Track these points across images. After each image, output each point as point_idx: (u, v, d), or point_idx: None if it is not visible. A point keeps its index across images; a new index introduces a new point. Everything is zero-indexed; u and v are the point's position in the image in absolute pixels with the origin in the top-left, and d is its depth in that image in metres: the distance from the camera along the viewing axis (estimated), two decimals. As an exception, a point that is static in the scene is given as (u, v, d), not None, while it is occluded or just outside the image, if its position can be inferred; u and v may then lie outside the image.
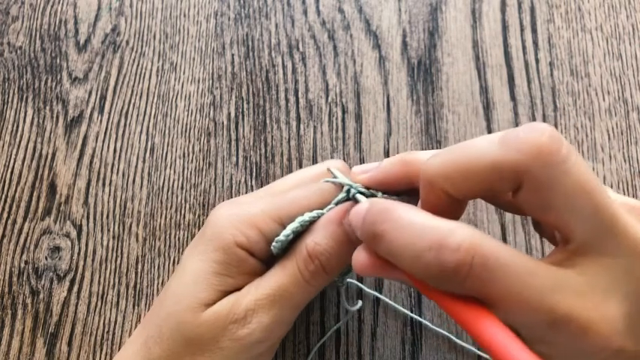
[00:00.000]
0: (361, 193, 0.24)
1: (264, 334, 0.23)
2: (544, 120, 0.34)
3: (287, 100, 0.35)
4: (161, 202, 0.33)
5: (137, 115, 0.35)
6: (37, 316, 0.32)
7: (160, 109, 0.35)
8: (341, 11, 0.37)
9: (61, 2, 0.38)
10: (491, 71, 0.35)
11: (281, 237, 0.24)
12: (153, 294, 0.32)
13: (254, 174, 0.34)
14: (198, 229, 0.33)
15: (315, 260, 0.23)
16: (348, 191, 0.24)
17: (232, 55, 0.36)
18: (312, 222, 0.24)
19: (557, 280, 0.17)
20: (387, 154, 0.34)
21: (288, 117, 0.35)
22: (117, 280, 0.32)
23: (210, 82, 0.36)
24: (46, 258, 0.33)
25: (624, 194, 0.33)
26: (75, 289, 0.32)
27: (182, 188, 0.34)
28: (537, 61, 0.35)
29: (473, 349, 0.30)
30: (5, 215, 0.34)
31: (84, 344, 0.31)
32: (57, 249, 0.33)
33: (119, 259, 0.33)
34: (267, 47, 0.36)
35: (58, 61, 0.37)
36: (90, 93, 0.36)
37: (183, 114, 0.35)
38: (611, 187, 0.33)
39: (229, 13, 0.37)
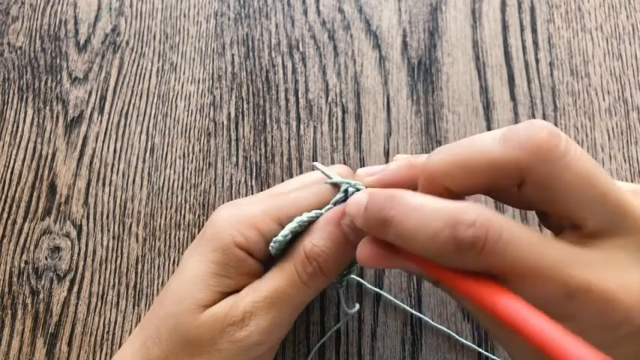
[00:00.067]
0: (359, 191, 0.24)
1: (262, 336, 0.23)
2: (544, 120, 0.34)
3: (287, 100, 0.35)
4: (161, 203, 0.33)
5: (137, 116, 0.35)
6: (37, 316, 0.32)
7: (160, 109, 0.35)
8: (341, 11, 0.37)
9: (61, 2, 0.38)
10: (491, 71, 0.35)
11: (279, 237, 0.24)
12: (153, 294, 0.32)
13: (254, 174, 0.34)
14: (199, 230, 0.33)
15: (313, 262, 0.23)
16: (346, 191, 0.24)
17: (232, 55, 0.36)
18: (310, 222, 0.24)
19: (572, 254, 0.17)
20: (387, 154, 0.34)
21: (288, 117, 0.35)
22: (117, 280, 0.32)
23: (210, 82, 0.36)
24: (46, 258, 0.33)
25: (624, 194, 0.33)
26: (75, 289, 0.32)
27: (182, 188, 0.34)
28: (537, 61, 0.35)
29: (473, 346, 0.30)
30: (5, 215, 0.34)
31: (84, 344, 0.31)
32: (57, 249, 0.33)
33: (119, 259, 0.33)
34: (267, 47, 0.36)
35: (58, 61, 0.37)
36: (90, 93, 0.36)
37: (183, 114, 0.35)
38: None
39: (229, 14, 0.37)
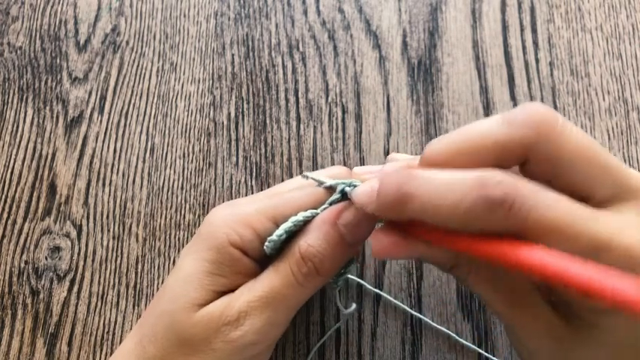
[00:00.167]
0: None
1: (257, 336, 0.23)
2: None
3: (287, 100, 0.35)
4: (161, 203, 0.33)
5: (137, 116, 0.35)
6: (37, 316, 0.32)
7: (160, 109, 0.35)
8: (341, 11, 0.37)
9: (61, 2, 0.38)
10: (491, 71, 0.35)
11: (273, 237, 0.24)
12: (153, 294, 0.32)
13: (254, 174, 0.34)
14: (198, 229, 0.33)
15: (308, 262, 0.23)
16: (342, 191, 0.24)
17: (232, 55, 0.36)
18: (306, 222, 0.24)
19: (593, 214, 0.18)
20: (387, 154, 0.34)
21: (288, 117, 0.35)
22: (117, 280, 0.32)
23: (210, 82, 0.36)
24: (46, 258, 0.33)
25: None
26: (75, 289, 0.32)
27: (182, 188, 0.34)
28: (537, 61, 0.35)
29: (473, 347, 0.30)
30: (5, 215, 0.34)
31: (84, 344, 0.31)
32: (57, 249, 0.33)
33: (119, 259, 0.33)
34: (267, 47, 0.36)
35: (58, 61, 0.37)
36: (90, 93, 0.36)
37: (183, 114, 0.35)
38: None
39: (229, 13, 0.37)
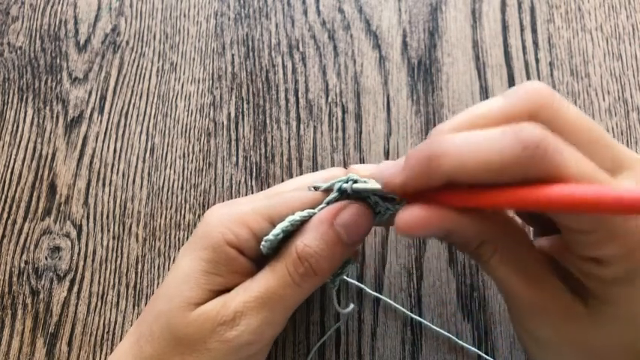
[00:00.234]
0: (356, 181, 0.23)
1: (252, 336, 0.23)
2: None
3: (287, 100, 0.35)
4: (161, 203, 0.33)
5: (137, 116, 0.35)
6: (37, 316, 0.32)
7: (160, 109, 0.35)
8: (341, 11, 0.37)
9: (61, 2, 0.38)
10: (491, 71, 0.35)
11: (270, 236, 0.23)
12: (153, 294, 0.32)
13: (254, 174, 0.34)
14: (198, 229, 0.33)
15: (305, 262, 0.23)
16: (340, 190, 0.24)
17: (232, 55, 0.36)
18: (303, 221, 0.24)
19: (607, 174, 0.18)
20: (387, 154, 0.34)
21: (288, 117, 0.35)
22: (117, 280, 0.32)
23: (210, 82, 0.36)
24: (46, 258, 0.33)
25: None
26: (75, 289, 0.32)
27: (182, 188, 0.34)
28: (537, 61, 0.35)
29: (473, 349, 0.30)
30: (5, 215, 0.34)
31: (84, 344, 0.31)
32: (57, 249, 0.33)
33: (119, 259, 0.33)
34: (267, 47, 0.36)
35: (58, 61, 0.37)
36: (90, 93, 0.36)
37: (183, 114, 0.35)
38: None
39: (229, 13, 0.37)
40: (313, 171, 0.34)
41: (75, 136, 0.35)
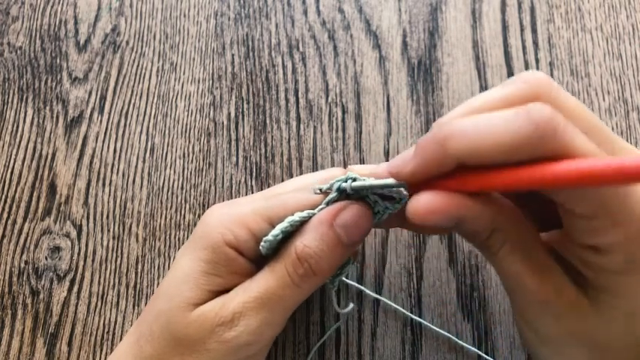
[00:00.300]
0: (355, 179, 0.23)
1: (251, 337, 0.23)
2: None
3: (287, 100, 0.35)
4: (161, 203, 0.33)
5: (137, 116, 0.35)
6: (37, 316, 0.32)
7: (160, 109, 0.35)
8: (341, 11, 0.37)
9: (61, 2, 0.38)
10: (491, 71, 0.35)
11: (269, 237, 0.23)
12: (153, 294, 0.32)
13: (254, 174, 0.34)
14: (198, 229, 0.33)
15: (305, 263, 0.23)
16: (339, 191, 0.24)
17: (232, 55, 0.36)
18: (302, 222, 0.24)
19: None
20: (387, 154, 0.34)
21: (288, 117, 0.35)
22: (117, 281, 0.32)
23: (210, 82, 0.36)
24: (46, 258, 0.33)
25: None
26: (75, 289, 0.32)
27: (182, 188, 0.34)
28: (537, 61, 0.35)
29: (473, 349, 0.30)
30: (5, 215, 0.34)
31: (84, 344, 0.31)
32: (57, 249, 0.33)
33: (119, 259, 0.33)
34: (267, 47, 0.36)
35: (58, 61, 0.37)
36: (90, 93, 0.36)
37: (183, 114, 0.35)
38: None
39: (229, 13, 0.37)
40: (313, 171, 0.34)
41: (75, 136, 0.35)
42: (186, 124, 0.35)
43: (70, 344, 0.31)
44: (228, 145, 0.35)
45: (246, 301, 0.23)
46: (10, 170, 0.35)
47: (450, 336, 0.30)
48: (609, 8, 0.36)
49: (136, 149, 0.35)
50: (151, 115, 0.35)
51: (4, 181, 0.34)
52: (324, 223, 0.23)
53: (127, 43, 0.37)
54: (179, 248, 0.33)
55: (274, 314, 0.23)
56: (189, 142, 0.35)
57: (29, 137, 0.35)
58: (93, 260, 0.33)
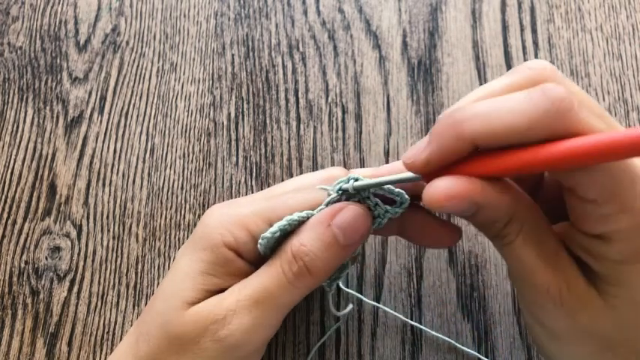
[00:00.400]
0: (357, 179, 0.23)
1: (244, 335, 0.23)
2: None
3: (287, 100, 0.35)
4: (161, 203, 0.34)
5: (137, 116, 0.35)
6: (37, 316, 0.32)
7: (160, 109, 0.35)
8: (341, 11, 0.37)
9: (61, 2, 0.38)
10: (491, 71, 0.35)
11: (267, 234, 0.23)
12: (153, 294, 0.32)
13: (254, 174, 0.34)
14: (198, 229, 0.33)
15: (299, 261, 0.23)
16: (340, 192, 0.24)
17: (232, 55, 0.36)
18: (301, 222, 0.24)
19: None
20: (387, 154, 0.34)
21: (288, 117, 0.35)
22: (117, 281, 0.32)
23: (210, 82, 0.36)
24: (46, 258, 0.33)
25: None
26: (75, 289, 0.32)
27: (182, 188, 0.34)
28: (537, 61, 0.35)
29: (472, 352, 0.30)
30: (5, 215, 0.34)
31: (84, 344, 0.31)
32: (57, 249, 0.33)
33: (119, 259, 0.33)
34: (267, 47, 0.36)
35: (58, 61, 0.37)
36: (90, 93, 0.36)
37: (183, 114, 0.35)
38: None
39: (229, 14, 0.37)
40: (313, 171, 0.34)
41: (75, 136, 0.35)
42: (186, 124, 0.35)
43: (70, 344, 0.31)
44: (228, 145, 0.35)
45: (240, 299, 0.23)
46: (10, 170, 0.35)
47: (450, 340, 0.30)
48: (609, 8, 0.36)
49: (136, 149, 0.35)
50: (151, 115, 0.35)
51: (4, 181, 0.34)
52: (322, 223, 0.23)
53: (127, 43, 0.37)
54: (179, 248, 0.33)
55: (266, 313, 0.23)
56: (189, 142, 0.35)
57: (29, 137, 0.35)
58: (93, 260, 0.33)
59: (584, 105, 0.18)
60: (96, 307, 0.32)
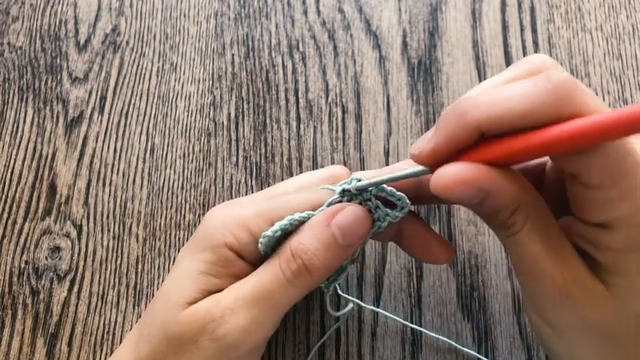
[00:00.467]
0: (360, 180, 0.23)
1: (242, 334, 0.23)
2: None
3: (287, 100, 0.35)
4: (161, 203, 0.34)
5: (137, 116, 0.35)
6: (37, 316, 0.32)
7: (160, 109, 0.35)
8: (341, 11, 0.37)
9: (61, 2, 0.38)
10: (491, 71, 0.35)
11: (268, 232, 0.23)
12: (153, 294, 0.32)
13: (254, 174, 0.34)
14: (199, 229, 0.33)
15: (298, 259, 0.23)
16: (342, 192, 0.24)
17: (232, 55, 0.36)
18: (302, 222, 0.24)
19: None
20: (387, 154, 0.34)
21: (288, 117, 0.35)
22: (117, 281, 0.32)
23: (211, 82, 0.36)
24: (46, 258, 0.33)
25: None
26: (75, 289, 0.32)
27: (182, 188, 0.34)
28: (537, 61, 0.35)
29: (472, 352, 0.30)
30: (5, 215, 0.34)
31: (84, 344, 0.31)
32: (57, 249, 0.33)
33: (119, 259, 0.33)
34: (267, 47, 0.36)
35: (58, 61, 0.37)
36: (90, 93, 0.36)
37: (184, 114, 0.35)
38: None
39: (229, 14, 0.37)
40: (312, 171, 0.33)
41: (75, 136, 0.35)
42: (187, 124, 0.35)
43: (70, 344, 0.31)
44: (228, 145, 0.35)
45: (238, 297, 0.23)
46: (10, 170, 0.35)
47: (450, 341, 0.30)
48: (609, 8, 0.36)
49: (136, 149, 0.35)
50: (151, 115, 0.35)
51: (4, 181, 0.34)
52: (321, 223, 0.23)
53: (127, 43, 0.37)
54: (179, 248, 0.33)
55: (266, 311, 0.23)
56: (190, 142, 0.35)
57: (29, 137, 0.35)
58: (93, 260, 0.33)
59: (585, 90, 0.18)
60: (96, 307, 0.32)
